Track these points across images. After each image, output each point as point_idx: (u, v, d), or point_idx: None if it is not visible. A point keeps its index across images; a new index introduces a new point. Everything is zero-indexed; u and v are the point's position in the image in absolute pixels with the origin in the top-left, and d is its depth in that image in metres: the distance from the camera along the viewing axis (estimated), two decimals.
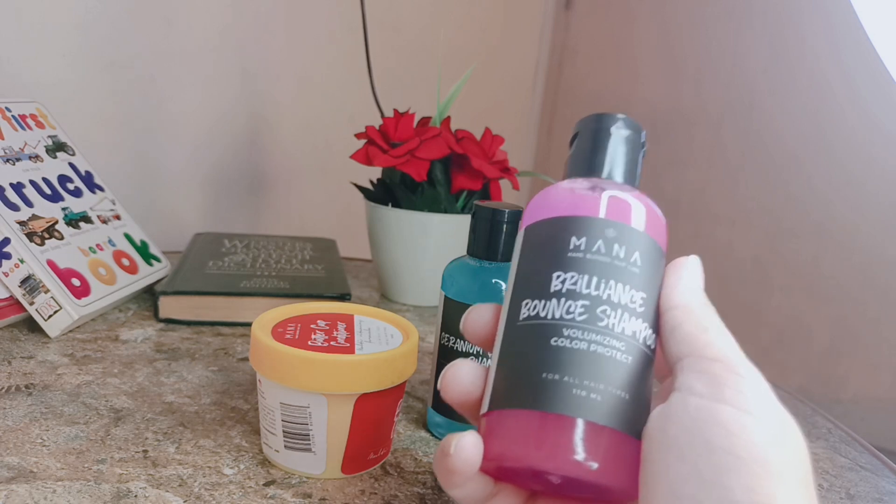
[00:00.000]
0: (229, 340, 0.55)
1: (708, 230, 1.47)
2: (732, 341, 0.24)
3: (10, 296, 0.52)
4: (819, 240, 1.37)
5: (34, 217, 0.54)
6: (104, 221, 0.62)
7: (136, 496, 0.34)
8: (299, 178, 1.04)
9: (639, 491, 0.23)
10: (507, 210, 0.40)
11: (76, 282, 0.54)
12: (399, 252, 0.66)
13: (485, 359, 0.40)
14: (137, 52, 0.81)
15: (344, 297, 0.60)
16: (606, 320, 0.24)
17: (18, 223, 0.52)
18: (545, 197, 0.28)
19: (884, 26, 1.26)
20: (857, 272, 1.35)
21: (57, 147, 0.62)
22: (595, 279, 0.25)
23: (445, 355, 0.41)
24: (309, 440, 0.36)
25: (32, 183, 0.57)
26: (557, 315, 0.25)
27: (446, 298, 0.41)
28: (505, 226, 0.40)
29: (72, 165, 0.62)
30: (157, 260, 0.65)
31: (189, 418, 0.42)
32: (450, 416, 0.41)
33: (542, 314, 0.25)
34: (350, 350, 0.36)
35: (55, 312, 0.51)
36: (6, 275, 0.51)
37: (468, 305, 0.40)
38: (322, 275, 0.65)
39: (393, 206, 0.66)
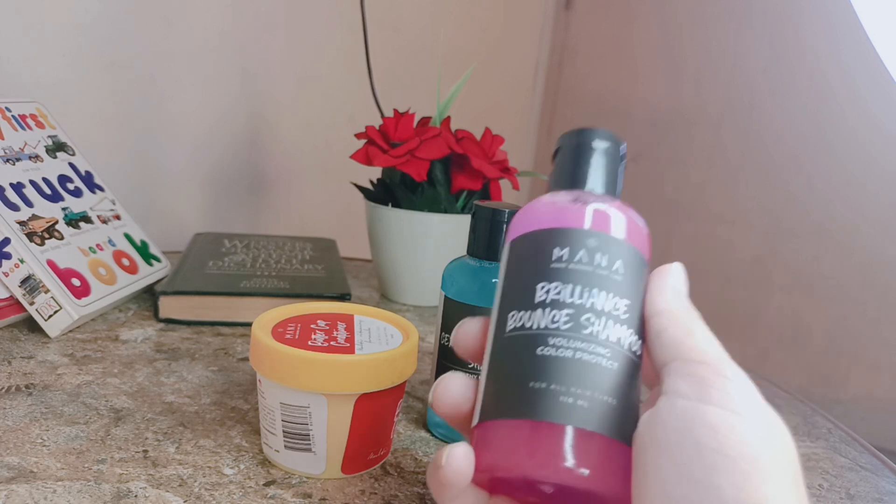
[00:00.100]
0: (229, 340, 0.55)
1: (708, 230, 1.47)
2: (717, 344, 0.25)
3: (10, 296, 0.52)
4: (819, 240, 1.37)
5: (34, 217, 0.54)
6: (104, 221, 0.62)
7: (136, 496, 0.34)
8: (299, 178, 1.04)
9: (631, 495, 0.23)
10: (507, 210, 0.40)
11: (76, 282, 0.54)
12: (399, 252, 0.66)
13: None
14: (137, 52, 0.81)
15: (344, 297, 0.60)
16: (591, 328, 0.25)
17: (18, 223, 0.52)
18: (528, 211, 0.29)
19: (884, 26, 1.26)
20: (857, 272, 1.35)
21: (57, 147, 0.62)
22: (578, 288, 0.25)
23: (445, 355, 0.41)
24: (309, 440, 0.36)
25: (32, 183, 0.57)
26: (543, 325, 0.25)
27: (446, 298, 0.41)
28: (505, 226, 0.40)
29: (72, 165, 0.62)
30: (157, 260, 0.65)
31: (189, 418, 0.42)
32: None
33: (528, 325, 0.25)
34: (350, 350, 0.36)
35: (55, 312, 0.51)
36: (6, 275, 0.51)
37: (468, 305, 0.40)
38: (322, 275, 0.65)
39: (393, 206, 0.66)
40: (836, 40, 1.31)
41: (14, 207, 0.53)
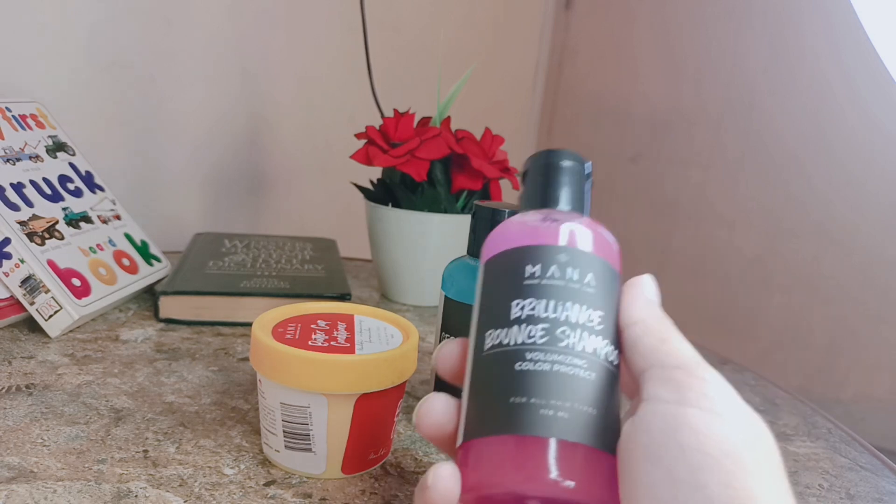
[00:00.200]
0: (229, 340, 0.55)
1: (708, 230, 1.47)
2: (692, 348, 0.25)
3: (11, 296, 0.52)
4: (819, 240, 1.37)
5: (34, 217, 0.54)
6: (104, 221, 0.62)
7: (136, 496, 0.34)
8: (299, 178, 1.04)
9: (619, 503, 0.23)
10: (506, 210, 0.40)
11: (76, 282, 0.54)
12: (399, 252, 0.66)
13: None
14: (137, 52, 0.81)
15: (344, 297, 0.60)
16: (566, 340, 0.25)
17: (19, 223, 0.53)
18: (500, 232, 0.29)
19: (884, 26, 1.26)
20: (857, 272, 1.35)
21: (57, 147, 0.62)
22: (552, 303, 0.26)
23: None
24: (309, 440, 0.36)
25: (33, 183, 0.57)
26: (519, 340, 0.26)
27: (446, 298, 0.41)
28: None
29: (72, 165, 0.62)
30: (158, 260, 0.65)
31: (189, 418, 0.42)
32: None
33: (506, 342, 0.26)
34: (350, 350, 0.36)
35: (55, 312, 0.51)
36: (6, 275, 0.51)
37: (468, 305, 0.40)
38: (322, 275, 0.65)
39: (393, 206, 0.66)
40: (836, 40, 1.31)
41: (14, 207, 0.53)
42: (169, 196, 0.88)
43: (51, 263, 0.52)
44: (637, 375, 0.25)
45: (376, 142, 0.65)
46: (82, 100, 0.78)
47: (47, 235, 0.54)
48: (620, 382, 0.27)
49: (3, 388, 0.44)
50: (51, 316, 0.51)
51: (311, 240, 0.78)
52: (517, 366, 0.25)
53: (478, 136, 0.67)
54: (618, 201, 1.56)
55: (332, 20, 1.00)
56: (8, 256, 0.51)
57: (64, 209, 0.58)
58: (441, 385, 0.41)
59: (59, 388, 0.44)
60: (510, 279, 0.27)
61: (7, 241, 0.51)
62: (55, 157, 0.61)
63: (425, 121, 0.68)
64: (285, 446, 0.36)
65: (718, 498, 0.21)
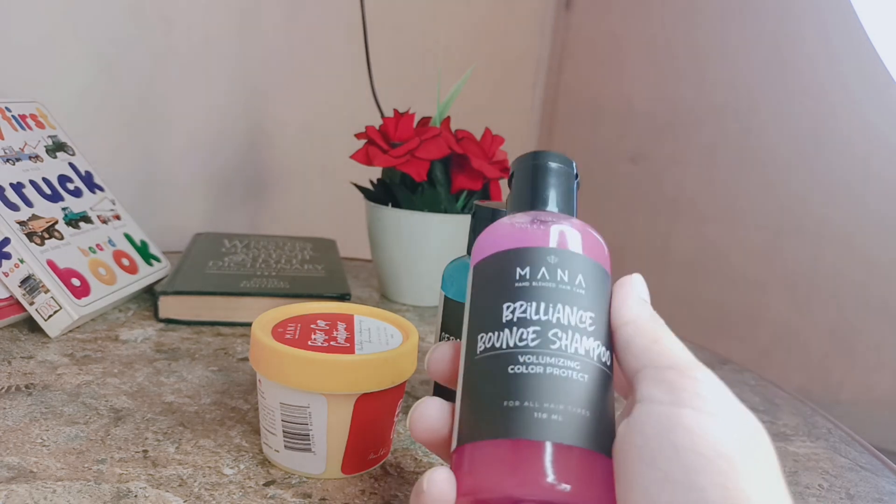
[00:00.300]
0: (229, 340, 0.55)
1: (708, 230, 1.47)
2: (684, 348, 0.25)
3: (10, 296, 0.52)
4: (819, 240, 1.37)
5: (34, 217, 0.54)
6: (104, 221, 0.62)
7: (136, 496, 0.34)
8: (299, 178, 1.04)
9: None
10: (506, 210, 0.40)
11: (76, 282, 0.54)
12: (399, 252, 0.66)
13: None
14: (137, 52, 0.81)
15: (344, 297, 0.60)
16: (559, 342, 0.25)
17: (18, 223, 0.52)
18: (489, 235, 0.29)
19: (884, 26, 1.26)
20: (857, 272, 1.35)
21: (57, 147, 0.62)
22: (543, 304, 0.26)
23: None
24: (309, 440, 0.36)
25: (32, 183, 0.57)
26: (511, 343, 0.26)
27: (446, 298, 0.41)
28: None
29: (72, 165, 0.62)
30: (157, 260, 0.65)
31: (189, 418, 0.42)
32: None
33: (498, 345, 0.26)
34: (350, 350, 0.36)
35: (55, 312, 0.51)
36: (6, 275, 0.51)
37: None
38: (322, 275, 0.65)
39: (393, 206, 0.66)
40: (835, 40, 1.31)
41: (14, 207, 0.53)
42: (169, 196, 0.88)
43: (50, 263, 0.52)
44: (630, 376, 0.25)
45: (376, 142, 0.65)
46: (82, 100, 0.78)
47: (47, 235, 0.54)
48: (614, 383, 0.27)
49: (2, 388, 0.44)
50: (50, 316, 0.51)
51: (311, 240, 0.78)
52: (510, 369, 0.25)
53: (478, 136, 0.67)
54: (618, 201, 1.55)
55: (332, 20, 1.00)
56: (7, 256, 0.51)
57: (64, 209, 0.58)
58: (440, 386, 0.41)
59: (59, 388, 0.44)
60: (500, 282, 0.27)
61: (7, 241, 0.51)
62: (55, 157, 0.61)
63: (425, 121, 0.68)
64: (285, 446, 0.36)
65: (713, 499, 0.21)
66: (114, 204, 0.64)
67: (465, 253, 0.43)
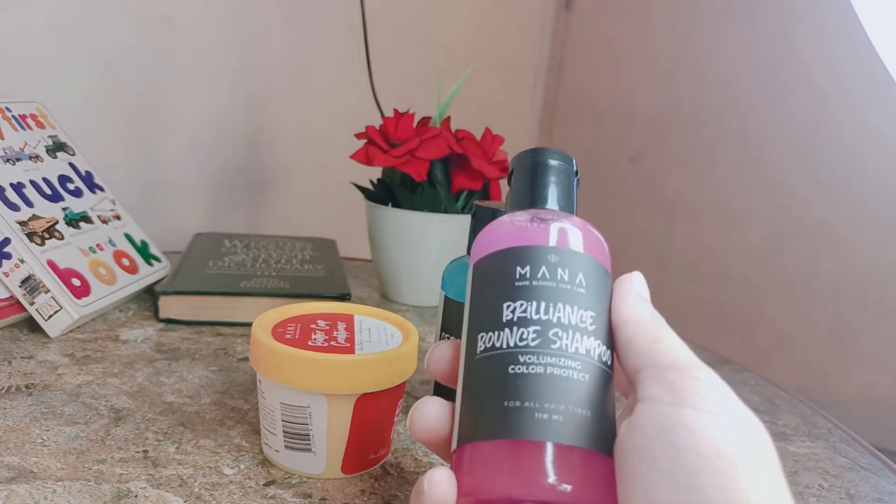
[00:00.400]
0: (229, 340, 0.55)
1: (708, 230, 1.47)
2: (685, 347, 0.25)
3: (11, 296, 0.52)
4: (818, 240, 1.37)
5: (34, 217, 0.54)
6: (104, 221, 0.62)
7: (136, 496, 0.34)
8: (299, 178, 1.04)
9: None
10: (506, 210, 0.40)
11: (76, 282, 0.54)
12: (399, 252, 0.66)
13: None
14: (137, 52, 0.81)
15: (344, 297, 0.60)
16: (559, 342, 0.25)
17: (19, 223, 0.52)
18: (488, 233, 0.29)
19: (884, 26, 1.26)
20: (857, 272, 1.35)
21: (57, 147, 0.62)
22: (544, 304, 0.26)
23: None
24: (309, 440, 0.36)
25: (32, 183, 0.57)
26: (512, 343, 0.25)
27: (446, 298, 0.41)
28: None
29: (72, 165, 0.62)
30: (157, 260, 0.65)
31: (189, 418, 0.42)
32: None
33: (498, 344, 0.26)
34: (350, 350, 0.36)
35: (55, 312, 0.51)
36: (6, 275, 0.51)
37: None
38: (322, 275, 0.65)
39: (393, 206, 0.66)
40: (835, 40, 1.31)
41: (14, 207, 0.53)
42: (169, 196, 0.88)
43: (51, 263, 0.52)
44: (631, 375, 0.25)
45: (376, 142, 0.65)
46: (82, 100, 0.78)
47: (47, 235, 0.54)
48: (614, 381, 0.27)
49: (3, 388, 0.44)
50: (51, 316, 0.51)
51: (311, 240, 0.78)
52: (510, 369, 0.25)
53: (478, 136, 0.67)
54: (618, 201, 1.55)
55: (332, 20, 1.00)
56: (8, 256, 0.51)
57: (64, 209, 0.58)
58: (440, 386, 0.41)
59: (59, 388, 0.44)
60: (500, 281, 0.27)
61: (7, 241, 0.51)
62: (55, 157, 0.61)
63: (425, 121, 0.68)
64: (285, 446, 0.36)
65: (714, 499, 0.20)
66: (114, 204, 0.64)
67: (465, 253, 0.43)
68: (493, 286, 0.27)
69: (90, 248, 0.58)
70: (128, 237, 0.63)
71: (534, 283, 0.26)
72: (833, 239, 1.36)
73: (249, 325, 0.57)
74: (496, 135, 0.67)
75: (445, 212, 0.65)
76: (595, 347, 0.26)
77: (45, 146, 0.61)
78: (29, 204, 0.55)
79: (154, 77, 0.83)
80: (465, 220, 0.64)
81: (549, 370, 0.25)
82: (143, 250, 0.64)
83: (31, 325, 0.53)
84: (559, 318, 0.26)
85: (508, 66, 1.44)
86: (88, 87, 0.78)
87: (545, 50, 1.56)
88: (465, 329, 0.28)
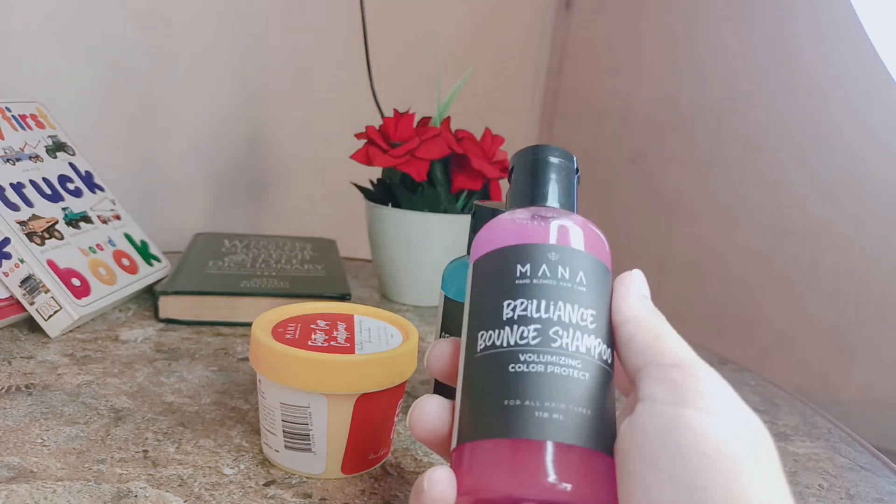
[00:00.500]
0: (229, 340, 0.55)
1: (708, 230, 1.47)
2: (686, 345, 0.25)
3: (10, 296, 0.52)
4: (819, 240, 1.37)
5: (34, 217, 0.54)
6: (104, 221, 0.62)
7: (136, 496, 0.34)
8: (299, 178, 1.04)
9: None
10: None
11: (76, 282, 0.54)
12: (399, 252, 0.66)
13: None
14: (137, 53, 0.81)
15: (344, 297, 0.60)
16: (560, 341, 0.25)
17: (18, 223, 0.52)
18: (488, 231, 0.29)
19: (883, 25, 1.26)
20: (857, 272, 1.35)
21: (57, 147, 0.62)
22: (544, 302, 0.26)
23: None
24: (309, 440, 0.36)
25: (32, 183, 0.57)
26: (512, 342, 0.25)
27: (446, 298, 0.41)
28: None
29: (72, 165, 0.62)
30: (157, 260, 0.65)
31: (189, 418, 0.42)
32: None
33: (498, 343, 0.26)
34: (350, 350, 0.36)
35: (55, 312, 0.51)
36: (6, 275, 0.51)
37: None
38: (322, 275, 0.65)
39: (393, 206, 0.66)
40: (834, 40, 1.31)
41: (14, 207, 0.53)
42: (169, 196, 0.88)
43: (50, 263, 0.52)
44: (632, 373, 0.25)
45: (376, 142, 0.65)
46: (82, 100, 0.78)
47: (47, 235, 0.54)
48: (615, 380, 0.26)
49: (2, 388, 0.44)
50: (50, 316, 0.51)
51: (311, 240, 0.78)
52: (510, 367, 0.25)
53: (478, 136, 0.67)
54: (618, 201, 1.55)
55: (332, 20, 1.00)
56: (8, 256, 0.51)
57: (64, 209, 0.58)
58: (440, 385, 0.41)
59: (59, 388, 0.44)
60: (501, 279, 0.27)
61: (7, 241, 0.51)
62: (55, 157, 0.61)
63: (425, 121, 0.68)
64: (285, 446, 0.36)
65: (715, 499, 0.20)
66: (114, 204, 0.64)
67: (465, 253, 0.43)
68: (494, 284, 0.27)
69: (90, 248, 0.58)
70: (128, 237, 0.63)
71: (534, 281, 0.26)
72: (833, 239, 1.36)
73: (249, 325, 0.57)
74: (496, 135, 0.67)
75: (445, 212, 0.65)
76: (595, 346, 0.26)
77: (45, 146, 0.61)
78: (29, 204, 0.55)
79: (154, 77, 0.83)
80: (465, 220, 0.64)
81: (550, 369, 0.25)
82: (142, 250, 0.64)
83: (31, 325, 0.53)
84: (560, 316, 0.25)
85: (508, 66, 1.44)
86: (88, 87, 0.78)
87: (545, 50, 1.56)
88: (465, 327, 0.28)
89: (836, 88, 1.32)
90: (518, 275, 0.27)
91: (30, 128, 0.60)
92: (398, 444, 0.42)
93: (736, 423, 0.22)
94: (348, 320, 0.40)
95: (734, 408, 0.23)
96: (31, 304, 0.51)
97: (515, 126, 1.53)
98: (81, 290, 0.53)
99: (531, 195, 0.30)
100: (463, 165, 0.65)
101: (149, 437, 0.39)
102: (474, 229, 0.41)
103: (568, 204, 0.30)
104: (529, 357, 0.25)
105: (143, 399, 0.44)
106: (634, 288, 0.27)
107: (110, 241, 0.61)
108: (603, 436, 0.24)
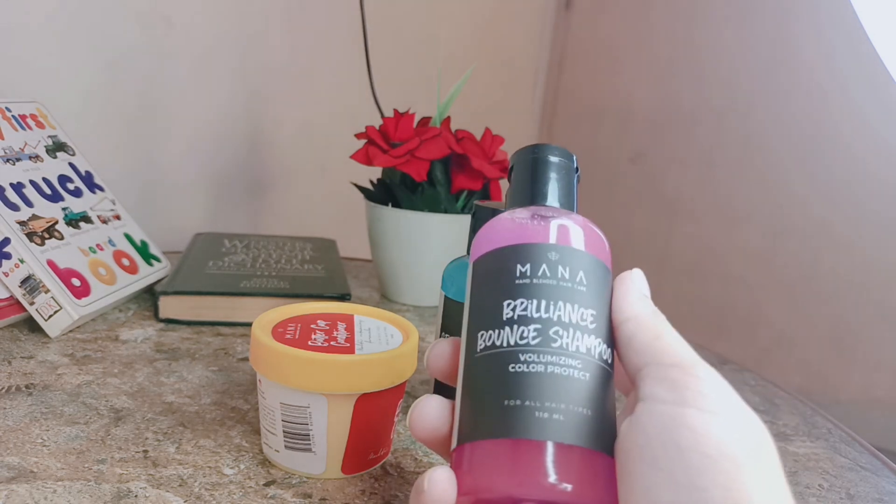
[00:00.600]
0: (229, 340, 0.55)
1: (708, 230, 1.47)
2: (686, 345, 0.25)
3: (11, 296, 0.52)
4: (819, 240, 1.37)
5: (34, 217, 0.54)
6: (104, 221, 0.62)
7: (136, 496, 0.34)
8: (299, 178, 1.04)
9: None
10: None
11: (76, 282, 0.54)
12: (399, 252, 0.66)
13: None
14: (137, 52, 0.81)
15: (344, 297, 0.60)
16: (560, 341, 0.25)
17: (18, 223, 0.52)
18: (488, 230, 0.29)
19: (883, 25, 1.26)
20: (857, 272, 1.35)
21: (57, 147, 0.62)
22: (544, 302, 0.26)
23: None
24: (309, 440, 0.36)
25: (32, 183, 0.57)
26: (512, 342, 0.25)
27: (446, 298, 0.41)
28: None
29: (72, 165, 0.62)
30: (157, 260, 0.65)
31: (189, 418, 0.42)
32: None
33: (498, 343, 0.26)
34: (350, 350, 0.36)
35: (55, 312, 0.51)
36: (6, 275, 0.51)
37: None
38: (322, 275, 0.65)
39: (393, 206, 0.66)
40: (835, 40, 1.31)
41: (14, 207, 0.53)
42: (169, 196, 0.88)
43: (50, 263, 0.52)
44: (633, 373, 0.25)
45: (376, 142, 0.65)
46: (82, 100, 0.78)
47: (47, 235, 0.54)
48: (615, 380, 0.26)
49: (3, 388, 0.44)
50: (50, 316, 0.51)
51: (311, 240, 0.78)
52: (510, 367, 0.25)
53: (478, 136, 0.67)
54: (618, 201, 1.55)
55: (332, 20, 1.00)
56: (8, 256, 0.51)
57: (64, 209, 0.58)
58: (440, 385, 0.41)
59: (59, 388, 0.44)
60: (501, 279, 0.27)
61: (7, 241, 0.51)
62: (55, 157, 0.61)
63: (425, 121, 0.68)
64: (285, 446, 0.36)
65: (716, 499, 0.20)
66: (114, 204, 0.64)
67: (464, 253, 0.43)
68: (494, 284, 0.27)
69: (90, 248, 0.58)
70: (128, 237, 0.63)
71: (534, 280, 0.26)
72: (833, 239, 1.36)
73: (249, 325, 0.57)
74: (496, 135, 0.67)
75: (445, 212, 0.65)
76: (596, 346, 0.25)
77: (45, 146, 0.61)
78: (29, 204, 0.55)
79: (154, 77, 0.83)
80: (465, 220, 0.64)
81: (550, 369, 0.24)
82: (142, 250, 0.64)
83: (31, 325, 0.53)
84: (560, 316, 0.25)
85: (508, 66, 1.44)
86: (88, 87, 0.78)
87: (545, 50, 1.56)
88: (465, 327, 0.28)
89: (836, 88, 1.32)
90: (518, 274, 0.27)
91: (30, 128, 0.60)
92: (398, 444, 0.42)
93: (737, 424, 0.22)
94: (348, 320, 0.40)
95: (735, 408, 0.23)
96: (31, 304, 0.51)
97: (515, 126, 1.53)
98: (81, 290, 0.53)
99: (531, 194, 0.30)
100: (463, 165, 0.65)
101: (149, 437, 0.39)
102: (474, 229, 0.41)
103: (568, 203, 0.30)
104: (529, 357, 0.25)
105: (143, 399, 0.44)
106: (634, 287, 0.27)
107: (110, 241, 0.61)
108: (603, 436, 0.24)
